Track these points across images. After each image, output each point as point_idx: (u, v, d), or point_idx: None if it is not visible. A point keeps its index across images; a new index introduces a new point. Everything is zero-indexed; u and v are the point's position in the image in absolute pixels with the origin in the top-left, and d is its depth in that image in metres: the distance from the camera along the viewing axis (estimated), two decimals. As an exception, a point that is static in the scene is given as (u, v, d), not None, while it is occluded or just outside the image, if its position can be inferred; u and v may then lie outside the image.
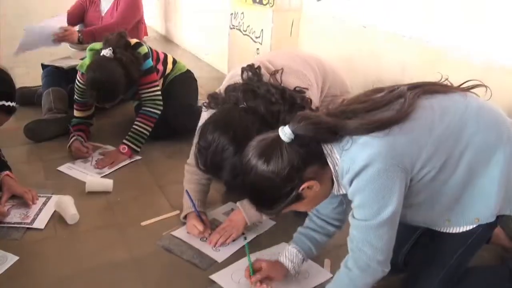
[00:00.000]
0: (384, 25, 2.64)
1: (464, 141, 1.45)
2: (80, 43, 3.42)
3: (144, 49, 2.79)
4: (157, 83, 2.88)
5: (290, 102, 1.77)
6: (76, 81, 2.84)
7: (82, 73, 2.73)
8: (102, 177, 2.58)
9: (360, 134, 1.38)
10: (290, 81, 1.93)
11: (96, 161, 2.74)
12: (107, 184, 2.46)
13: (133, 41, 2.79)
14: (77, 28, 3.67)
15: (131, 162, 2.77)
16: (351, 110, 1.45)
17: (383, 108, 1.45)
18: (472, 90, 1.58)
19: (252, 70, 1.88)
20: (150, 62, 2.84)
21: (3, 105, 2.12)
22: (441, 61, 2.35)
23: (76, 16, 3.62)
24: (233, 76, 2.02)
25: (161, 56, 3.10)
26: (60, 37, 3.29)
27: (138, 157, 2.81)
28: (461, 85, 1.59)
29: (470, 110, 1.50)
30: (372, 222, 1.39)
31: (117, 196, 2.43)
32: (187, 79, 3.24)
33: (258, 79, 1.85)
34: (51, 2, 9.34)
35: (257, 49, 3.51)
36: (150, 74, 2.84)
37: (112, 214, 2.30)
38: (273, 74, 1.93)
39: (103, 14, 3.73)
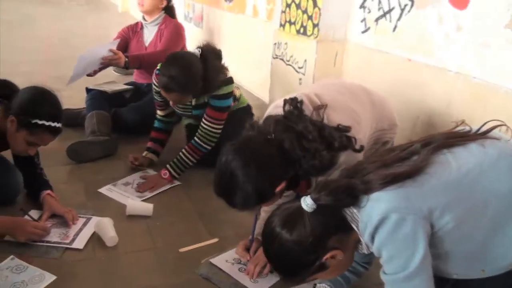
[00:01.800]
0: (430, 59, 2.60)
1: (487, 190, 1.40)
2: (126, 68, 3.47)
3: (232, 87, 2.79)
4: (223, 122, 2.80)
5: (329, 140, 1.74)
6: (153, 80, 2.87)
7: (157, 74, 2.77)
8: (142, 200, 2.58)
9: (374, 191, 1.38)
10: (336, 117, 1.89)
11: (137, 184, 2.75)
12: (148, 208, 2.46)
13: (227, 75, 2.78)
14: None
15: (172, 187, 2.77)
16: (365, 168, 1.46)
17: (395, 165, 1.45)
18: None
19: (293, 104, 1.84)
20: (229, 102, 2.80)
21: (50, 125, 2.17)
22: (487, 97, 2.29)
23: (119, 47, 3.70)
24: (277, 106, 1.99)
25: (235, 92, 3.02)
26: (108, 61, 3.33)
27: (179, 183, 2.80)
28: (481, 127, 1.55)
29: (489, 159, 1.45)
30: (403, 274, 1.36)
31: (157, 221, 2.42)
32: (246, 116, 3.07)
33: (298, 113, 1.80)
34: (94, 26, 9.66)
35: (300, 79, 3.50)
36: (223, 112, 2.79)
37: (151, 238, 2.29)
38: (316, 109, 1.89)
39: (146, 45, 3.80)
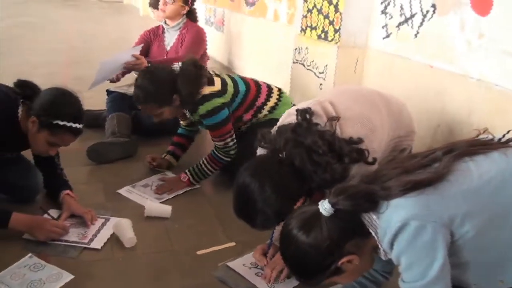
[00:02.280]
0: (451, 66, 2.57)
1: (508, 200, 1.37)
2: None
3: (215, 103, 2.61)
4: (230, 133, 2.70)
5: (339, 154, 1.73)
6: None
7: None
8: (161, 202, 2.58)
9: (394, 197, 1.37)
10: (350, 127, 1.87)
11: (156, 186, 2.75)
12: (166, 210, 2.46)
13: (212, 89, 2.63)
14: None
15: (190, 190, 2.77)
16: (385, 175, 1.45)
17: (417, 172, 1.43)
18: None
19: (303, 115, 1.82)
20: (221, 116, 2.64)
21: (71, 126, 2.19)
22: (510, 105, 2.25)
23: (141, 51, 3.72)
24: (290, 114, 1.98)
25: (259, 103, 2.83)
26: (131, 66, 3.36)
27: (198, 186, 2.80)
28: (503, 136, 1.53)
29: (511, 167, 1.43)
30: (422, 282, 1.34)
31: (175, 223, 2.42)
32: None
33: (307, 126, 1.78)
34: (115, 28, 9.75)
35: (320, 84, 3.48)
36: (221, 127, 2.68)
37: (169, 240, 2.29)
38: (330, 120, 1.87)
39: (167, 49, 3.83)
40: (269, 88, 2.90)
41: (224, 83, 2.71)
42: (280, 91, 2.94)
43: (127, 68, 3.39)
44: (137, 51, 3.45)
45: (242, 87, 2.77)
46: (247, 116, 2.80)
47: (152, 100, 2.61)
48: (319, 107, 1.91)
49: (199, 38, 3.80)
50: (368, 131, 1.89)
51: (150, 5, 5.95)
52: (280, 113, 2.42)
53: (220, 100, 2.63)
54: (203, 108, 2.60)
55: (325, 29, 3.43)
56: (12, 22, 10.05)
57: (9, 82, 2.37)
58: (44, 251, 2.12)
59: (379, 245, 1.44)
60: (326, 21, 3.41)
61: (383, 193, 1.38)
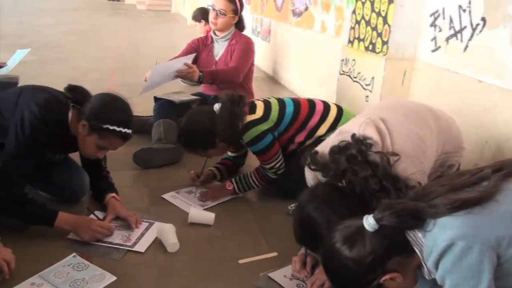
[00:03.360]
0: (501, 81, 2.50)
1: None
2: (200, 82, 3.52)
3: (258, 129, 2.58)
4: (276, 156, 2.66)
5: (388, 191, 1.68)
6: None
7: None
8: (204, 209, 2.59)
9: (441, 215, 1.34)
10: (402, 146, 1.85)
11: (200, 193, 2.77)
12: (209, 217, 2.47)
13: (253, 117, 2.60)
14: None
15: (234, 198, 2.77)
16: (433, 192, 1.42)
17: (465, 190, 1.40)
18: None
19: (358, 147, 1.78)
20: (264, 143, 2.60)
21: (120, 131, 2.23)
22: None
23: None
24: (341, 132, 1.96)
25: (312, 123, 2.72)
26: (182, 74, 3.40)
27: (241, 194, 2.80)
28: None
29: None
30: None
31: (217, 230, 2.43)
32: None
33: (362, 161, 1.74)
34: (162, 37, 9.91)
35: (367, 96, 3.45)
36: (266, 153, 2.64)
37: (211, 247, 2.29)
38: (387, 154, 1.80)
39: (216, 59, 3.83)
40: (326, 107, 2.78)
41: (267, 107, 2.66)
42: (340, 110, 2.81)
43: (180, 76, 3.44)
44: (189, 60, 3.49)
45: (289, 109, 2.70)
46: (300, 138, 2.72)
47: (196, 147, 2.68)
48: (372, 127, 1.89)
49: (248, 50, 3.79)
50: (419, 152, 1.86)
51: (193, 18, 6.03)
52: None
53: (263, 126, 2.60)
54: (247, 137, 2.59)
55: (373, 41, 3.40)
56: (65, 28, 10.38)
57: (61, 86, 2.43)
58: (88, 252, 2.16)
59: (423, 264, 1.41)
60: (374, 33, 3.38)
61: (430, 210, 1.36)
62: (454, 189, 1.41)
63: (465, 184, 1.43)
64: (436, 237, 1.33)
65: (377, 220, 1.37)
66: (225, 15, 3.73)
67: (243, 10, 3.97)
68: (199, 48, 3.90)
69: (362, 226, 1.40)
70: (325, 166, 1.81)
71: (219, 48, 3.85)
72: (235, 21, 3.82)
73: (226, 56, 3.78)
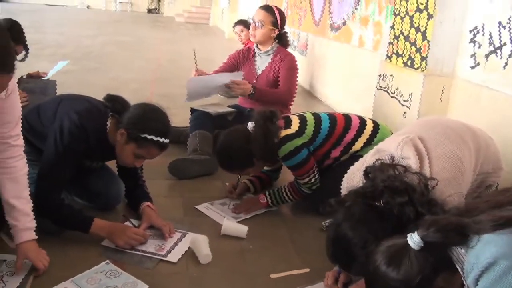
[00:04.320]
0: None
1: None
2: (250, 98, 3.55)
3: (293, 144, 2.57)
4: (311, 171, 2.64)
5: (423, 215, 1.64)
6: None
7: None
8: (237, 221, 2.58)
9: (485, 232, 1.29)
10: (441, 167, 1.81)
11: (233, 205, 2.77)
12: (242, 230, 2.46)
13: (288, 131, 2.58)
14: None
15: (267, 211, 2.76)
16: (477, 208, 1.38)
17: (509, 207, 1.34)
18: None
19: (395, 168, 1.76)
20: (299, 158, 2.58)
21: (158, 140, 2.25)
22: None
23: (229, 71, 3.82)
24: (379, 150, 1.94)
25: (347, 139, 2.69)
26: (235, 88, 3.48)
27: (275, 208, 2.78)
28: None
29: None
30: None
31: (250, 244, 2.41)
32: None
33: (399, 181, 1.70)
34: (201, 49, 10.01)
35: (404, 112, 3.41)
36: (301, 168, 2.62)
37: (243, 261, 2.28)
38: (424, 175, 1.77)
39: (258, 73, 3.81)
40: (362, 123, 2.75)
41: (303, 122, 2.65)
42: (376, 125, 2.78)
43: (231, 90, 3.53)
44: (239, 76, 3.55)
45: (325, 124, 2.67)
46: (335, 153, 2.69)
47: (234, 168, 2.71)
48: (410, 146, 1.86)
49: (294, 69, 3.75)
50: (457, 173, 1.82)
51: (234, 27, 6.10)
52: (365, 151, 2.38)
53: (299, 141, 2.58)
54: (282, 151, 2.58)
55: (412, 57, 3.37)
56: (106, 39, 10.62)
57: (100, 96, 2.48)
58: (121, 259, 2.17)
59: (464, 281, 1.37)
60: (413, 48, 3.35)
61: (474, 226, 1.32)
62: (499, 206, 1.37)
63: (510, 201, 1.39)
64: (479, 254, 1.29)
65: (422, 237, 1.34)
66: (264, 26, 3.72)
67: (285, 26, 3.91)
68: (240, 61, 3.91)
69: (407, 244, 1.36)
70: (364, 187, 1.79)
71: (262, 63, 3.83)
72: (274, 34, 3.77)
73: (269, 72, 3.75)
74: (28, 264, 1.99)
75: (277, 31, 3.78)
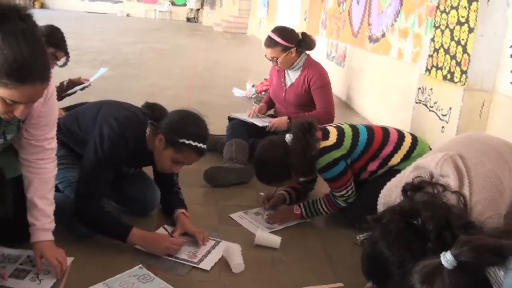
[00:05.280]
0: None
1: None
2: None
3: (331, 156, 2.55)
4: (348, 183, 2.61)
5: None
6: None
7: None
8: (271, 232, 2.57)
9: None
10: (480, 187, 1.77)
11: (267, 215, 2.75)
12: (276, 240, 2.44)
13: (327, 143, 2.56)
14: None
15: (301, 223, 2.73)
16: None
17: None
18: None
19: (434, 187, 1.71)
20: (336, 170, 2.57)
21: (196, 146, 2.27)
22: None
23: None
24: (418, 167, 1.91)
25: (385, 153, 2.64)
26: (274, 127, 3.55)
27: (309, 219, 2.76)
28: None
29: None
30: None
31: (283, 255, 2.39)
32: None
33: (437, 201, 1.66)
34: (238, 58, 10.09)
35: (443, 127, 3.35)
36: (337, 181, 2.60)
37: (276, 271, 2.26)
38: (463, 195, 1.72)
39: (286, 87, 3.76)
40: (400, 136, 2.70)
41: (340, 134, 2.62)
42: (415, 139, 2.73)
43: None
44: (265, 122, 3.61)
45: (363, 136, 2.64)
46: (372, 166, 2.65)
47: (272, 181, 2.70)
48: (450, 164, 1.82)
49: (325, 86, 3.67)
50: (497, 193, 1.77)
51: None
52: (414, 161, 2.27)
53: (337, 153, 2.56)
54: (320, 163, 2.56)
55: (452, 70, 3.32)
56: (145, 47, 10.79)
57: (138, 102, 2.52)
58: (154, 264, 2.18)
59: None
60: (453, 61, 3.30)
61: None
62: None
63: None
64: None
65: (455, 256, 1.31)
66: (279, 58, 3.62)
67: (295, 33, 3.74)
68: (273, 75, 3.91)
69: (440, 264, 1.34)
70: (402, 204, 1.76)
71: (291, 76, 3.77)
72: (293, 54, 3.64)
73: (298, 85, 3.69)
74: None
75: (293, 50, 3.64)
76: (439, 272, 1.32)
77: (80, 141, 2.37)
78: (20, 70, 1.54)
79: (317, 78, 3.63)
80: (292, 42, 3.63)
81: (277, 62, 3.66)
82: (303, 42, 3.68)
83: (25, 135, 1.96)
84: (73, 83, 3.73)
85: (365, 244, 1.76)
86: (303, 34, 3.73)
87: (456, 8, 3.28)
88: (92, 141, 2.25)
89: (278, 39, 3.61)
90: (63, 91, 3.66)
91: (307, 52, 3.76)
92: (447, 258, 1.32)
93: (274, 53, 3.63)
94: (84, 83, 3.75)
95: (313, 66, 3.70)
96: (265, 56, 3.73)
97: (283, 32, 3.68)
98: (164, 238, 2.30)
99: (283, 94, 3.77)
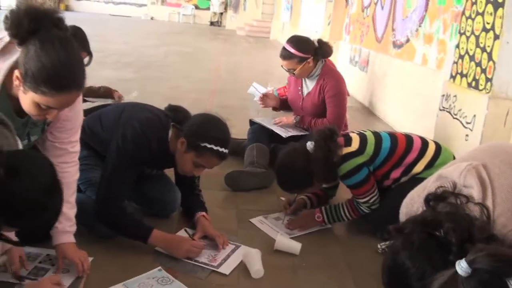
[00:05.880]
0: None
1: None
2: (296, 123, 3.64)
3: (354, 162, 2.54)
4: (371, 190, 2.59)
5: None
6: None
7: None
8: (291, 237, 2.56)
9: None
10: (502, 198, 1.71)
11: (288, 220, 2.74)
12: (296, 246, 2.43)
13: (349, 149, 2.55)
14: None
15: (321, 229, 2.71)
16: None
17: None
18: None
19: (457, 198, 1.67)
20: (358, 177, 2.55)
21: (217, 150, 2.27)
22: None
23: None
24: (441, 177, 1.87)
25: (408, 160, 2.61)
26: (281, 123, 3.62)
27: (330, 226, 2.74)
28: None
29: None
30: None
31: (303, 261, 2.37)
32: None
33: (460, 213, 1.62)
34: (260, 62, 10.10)
35: (466, 135, 3.30)
36: (360, 187, 2.58)
37: (296, 278, 2.25)
38: (487, 207, 1.68)
39: (304, 95, 3.71)
40: (424, 144, 2.66)
41: (363, 140, 2.60)
42: (438, 147, 2.69)
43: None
44: (289, 133, 3.60)
45: (386, 144, 2.61)
46: (395, 174, 2.62)
47: (294, 189, 2.72)
48: (474, 175, 1.78)
49: (338, 95, 3.59)
50: None
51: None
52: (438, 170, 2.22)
53: (359, 160, 2.54)
54: (342, 170, 2.55)
55: (477, 77, 3.27)
56: (169, 50, 10.87)
57: (160, 104, 2.54)
58: (173, 267, 2.18)
59: None
60: (478, 68, 3.26)
61: None
62: None
63: None
64: None
65: (469, 263, 1.28)
66: (296, 69, 3.57)
67: (310, 42, 3.67)
68: (291, 81, 3.87)
69: (455, 272, 1.31)
70: (424, 214, 1.74)
71: (308, 85, 3.71)
72: (310, 64, 3.57)
73: (314, 94, 3.63)
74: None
75: (310, 60, 3.57)
76: (454, 281, 1.30)
77: (102, 142, 2.40)
78: (58, 79, 1.56)
79: (330, 86, 3.56)
80: (308, 53, 3.56)
81: (294, 73, 3.62)
82: (320, 50, 3.61)
83: (49, 137, 1.98)
84: (110, 93, 3.77)
85: (386, 253, 1.74)
86: (319, 41, 3.67)
87: (482, 14, 3.24)
88: (115, 142, 2.27)
89: (293, 51, 3.54)
90: (93, 94, 3.71)
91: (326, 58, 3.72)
92: (461, 266, 1.29)
93: (290, 65, 3.58)
94: (112, 100, 3.78)
95: (329, 74, 3.63)
96: (281, 66, 3.69)
97: (299, 42, 3.62)
98: (185, 241, 2.30)
99: (300, 103, 3.73)
